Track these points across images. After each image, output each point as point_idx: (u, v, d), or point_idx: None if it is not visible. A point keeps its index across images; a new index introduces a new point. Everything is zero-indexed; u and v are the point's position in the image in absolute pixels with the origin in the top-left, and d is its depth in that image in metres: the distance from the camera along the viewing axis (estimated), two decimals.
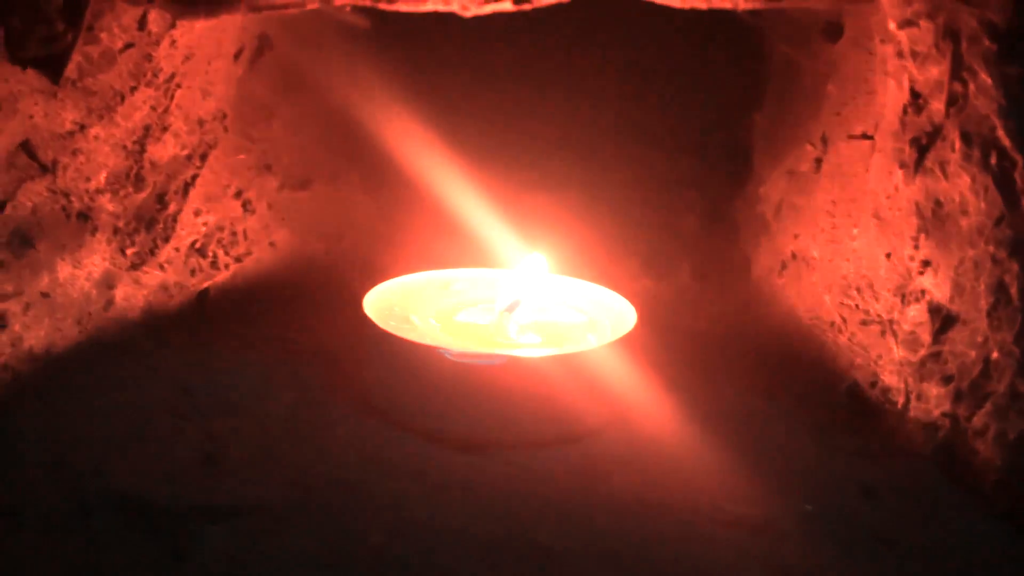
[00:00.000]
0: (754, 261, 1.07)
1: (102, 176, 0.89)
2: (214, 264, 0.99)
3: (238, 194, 1.02)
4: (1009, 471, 0.76)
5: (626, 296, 0.93)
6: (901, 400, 0.84)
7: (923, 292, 0.83)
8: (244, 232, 1.02)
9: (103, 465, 0.76)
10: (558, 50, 1.23)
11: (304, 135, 1.10)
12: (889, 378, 0.86)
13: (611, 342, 0.86)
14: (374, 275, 0.97)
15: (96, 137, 0.87)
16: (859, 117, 0.93)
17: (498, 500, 0.75)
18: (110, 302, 0.91)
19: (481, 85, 1.21)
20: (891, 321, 0.86)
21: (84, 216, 0.88)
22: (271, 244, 1.04)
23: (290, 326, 0.97)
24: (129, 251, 0.92)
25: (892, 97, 0.86)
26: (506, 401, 0.82)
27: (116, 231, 0.91)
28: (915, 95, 0.82)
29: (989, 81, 0.75)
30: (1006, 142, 0.75)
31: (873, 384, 0.87)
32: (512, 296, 0.91)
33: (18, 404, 0.81)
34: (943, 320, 0.81)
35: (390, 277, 0.94)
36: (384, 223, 1.14)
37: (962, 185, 0.79)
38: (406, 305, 0.92)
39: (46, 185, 0.85)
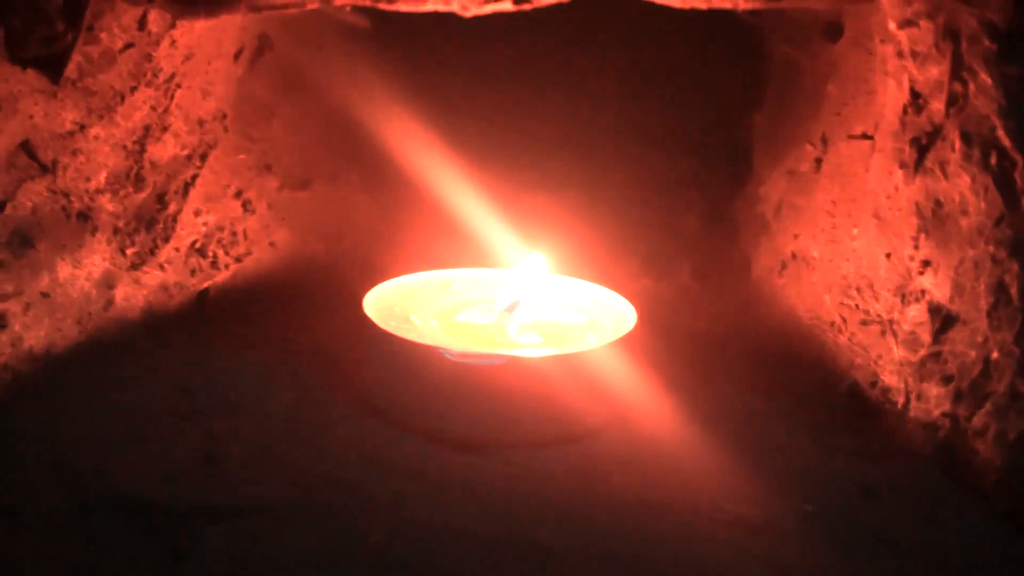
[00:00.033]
0: (754, 261, 1.07)
1: (102, 176, 0.89)
2: (214, 264, 0.99)
3: (238, 194, 1.02)
4: (1009, 471, 0.76)
5: (626, 296, 0.93)
6: (901, 400, 0.84)
7: (923, 292, 0.83)
8: (244, 232, 1.02)
9: (103, 465, 0.76)
10: (558, 50, 1.23)
11: (304, 135, 1.10)
12: (889, 378, 0.86)
13: (611, 342, 0.86)
14: (374, 275, 0.97)
15: (96, 137, 0.87)
16: (859, 117, 0.93)
17: (498, 500, 0.75)
18: (110, 302, 0.91)
19: (481, 85, 1.21)
20: (891, 321, 0.86)
21: (84, 216, 0.88)
22: (271, 244, 1.04)
23: (290, 326, 0.97)
24: (129, 251, 0.92)
25: (892, 97, 0.86)
26: (506, 401, 0.82)
27: (116, 231, 0.91)
28: (915, 95, 0.82)
29: (989, 81, 0.75)
30: (1006, 142, 0.75)
31: (873, 384, 0.87)
32: (512, 296, 0.91)
33: (18, 404, 0.81)
34: (943, 320, 0.81)
35: (390, 277, 0.94)
36: (384, 223, 1.14)
37: (962, 185, 0.79)
38: (406, 305, 0.92)
39: (46, 185, 0.85)
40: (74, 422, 0.81)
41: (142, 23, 0.85)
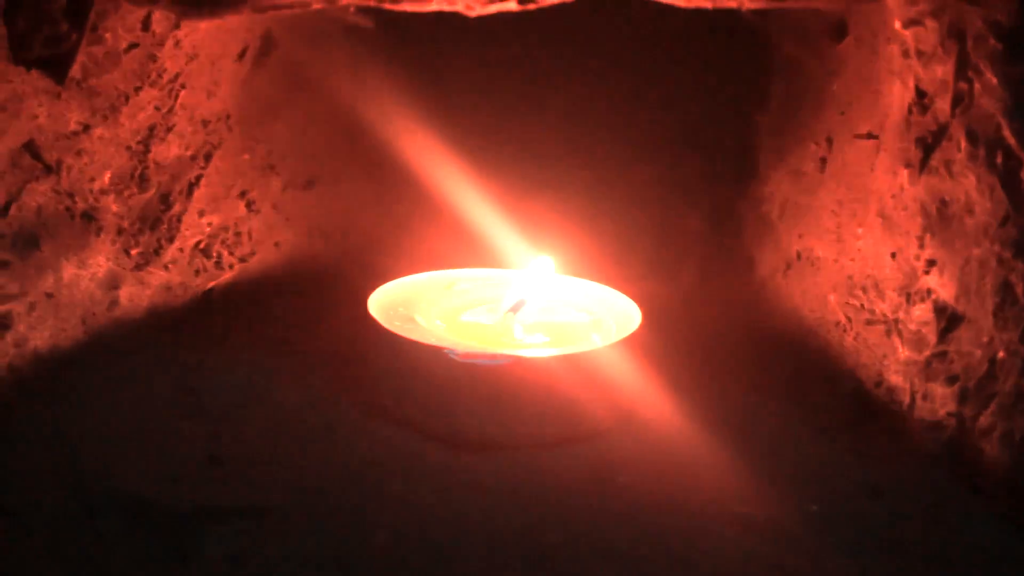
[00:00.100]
0: (759, 261, 1.07)
1: (106, 176, 0.89)
2: (218, 264, 0.99)
3: (242, 194, 1.02)
4: (1015, 471, 0.76)
5: (631, 296, 0.93)
6: (907, 400, 0.84)
7: (929, 292, 0.83)
8: (248, 232, 1.02)
9: (107, 465, 0.76)
10: (562, 50, 1.23)
11: (308, 136, 1.10)
12: (894, 378, 0.85)
13: (616, 342, 0.86)
14: (378, 275, 0.97)
15: (100, 137, 0.87)
16: (864, 116, 0.93)
17: (503, 500, 0.75)
18: (114, 302, 0.91)
19: (485, 85, 1.21)
20: (896, 321, 0.86)
21: (88, 216, 0.88)
22: (275, 244, 1.04)
23: (294, 327, 0.97)
24: (133, 251, 0.92)
25: (897, 96, 0.86)
26: (511, 401, 0.82)
27: (120, 231, 0.91)
28: (920, 94, 0.82)
29: (995, 80, 0.75)
30: (1012, 141, 0.75)
31: (878, 384, 0.87)
32: (517, 296, 0.91)
33: (22, 404, 0.81)
34: (949, 320, 0.81)
35: (395, 277, 0.94)
36: (388, 223, 1.14)
37: (968, 185, 0.78)
38: (411, 305, 0.92)
39: (51, 186, 0.85)
40: (78, 423, 0.81)
41: (146, 24, 0.85)
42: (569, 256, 1.00)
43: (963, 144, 0.78)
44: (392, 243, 1.11)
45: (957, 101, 0.79)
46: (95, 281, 0.89)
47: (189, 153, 0.95)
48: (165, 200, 0.94)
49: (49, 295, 0.86)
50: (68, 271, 0.87)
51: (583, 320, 0.93)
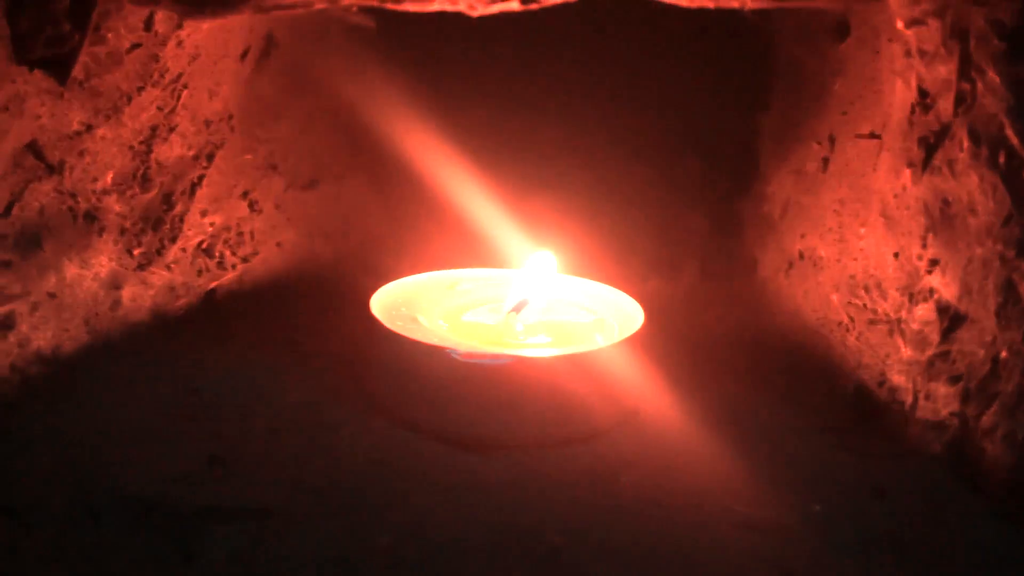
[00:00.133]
0: (761, 261, 1.07)
1: (109, 176, 0.89)
2: (221, 264, 0.99)
3: (245, 194, 1.02)
4: (1018, 471, 0.76)
5: (633, 296, 0.93)
6: (909, 400, 0.84)
7: (931, 291, 0.83)
8: (251, 232, 1.02)
9: (111, 466, 0.76)
10: (564, 50, 1.23)
11: (311, 135, 1.10)
12: (897, 377, 0.85)
13: (618, 342, 0.86)
14: (381, 275, 0.97)
15: (103, 138, 0.87)
16: (866, 116, 0.93)
17: (506, 500, 0.75)
18: (117, 302, 0.91)
19: (487, 85, 1.21)
20: (899, 320, 0.86)
21: (91, 216, 0.88)
22: (278, 244, 1.04)
23: (297, 326, 0.97)
24: (136, 251, 0.92)
25: (900, 96, 0.86)
26: (513, 401, 0.82)
27: (123, 231, 0.91)
28: (923, 94, 0.82)
29: (997, 80, 0.75)
30: (1014, 141, 0.75)
31: (881, 383, 0.87)
32: (519, 296, 0.91)
33: (25, 405, 0.81)
34: (951, 319, 0.81)
35: (397, 277, 0.94)
36: (391, 223, 1.14)
37: (970, 184, 0.78)
38: (413, 305, 0.92)
39: (53, 186, 0.85)
40: (81, 423, 0.81)
41: (148, 24, 0.85)
42: (571, 255, 1.00)
43: (966, 144, 0.78)
44: (394, 243, 1.11)
45: (960, 101, 0.79)
46: (98, 281, 0.89)
47: (191, 153, 0.95)
48: (167, 200, 0.94)
49: (52, 295, 0.86)
50: (71, 271, 0.87)
51: (585, 320, 0.94)
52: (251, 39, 1.00)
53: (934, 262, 0.83)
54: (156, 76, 0.88)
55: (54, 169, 0.85)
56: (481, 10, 0.76)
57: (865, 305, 0.90)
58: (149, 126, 0.90)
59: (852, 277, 0.91)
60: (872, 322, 0.89)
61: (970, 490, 0.78)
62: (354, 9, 0.98)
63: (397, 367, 0.85)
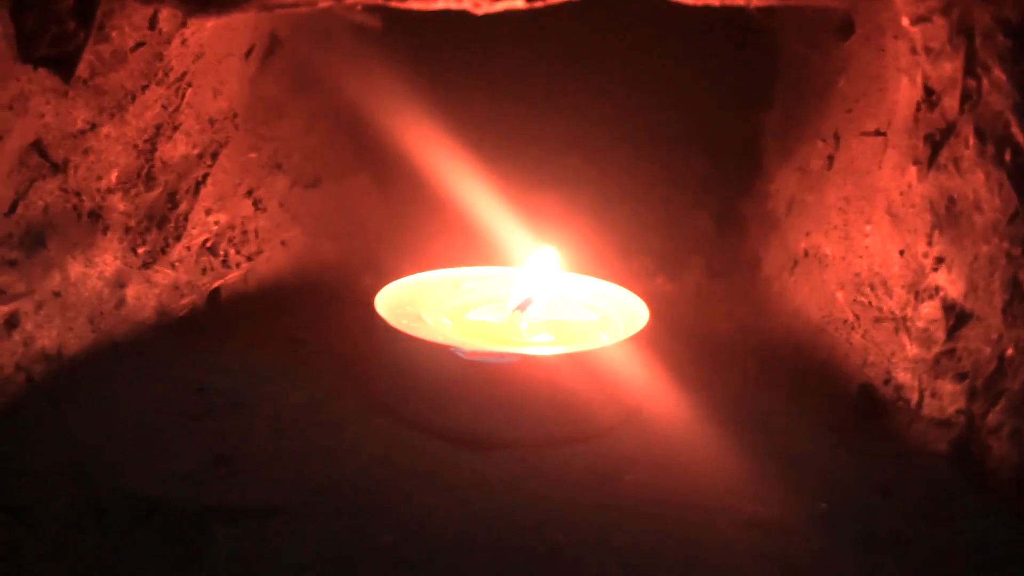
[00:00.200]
0: (766, 259, 1.07)
1: (113, 175, 0.89)
2: (225, 263, 0.99)
3: (249, 193, 1.02)
4: None
5: (638, 294, 0.93)
6: (915, 398, 0.84)
7: (937, 289, 0.83)
8: (255, 231, 1.02)
9: (115, 465, 0.76)
10: (568, 49, 1.23)
11: (315, 134, 1.10)
12: (903, 375, 0.85)
13: (623, 340, 0.86)
14: (385, 273, 0.97)
15: (107, 136, 0.87)
16: (871, 114, 0.93)
17: (510, 499, 0.75)
18: (122, 301, 0.91)
19: (492, 84, 1.21)
20: (905, 318, 0.86)
21: (95, 215, 0.88)
22: (282, 243, 1.04)
23: (301, 325, 0.97)
24: (140, 250, 0.92)
25: (905, 93, 0.85)
26: (518, 400, 0.82)
27: (127, 230, 0.91)
28: (928, 91, 0.82)
29: (1003, 77, 0.75)
30: (1020, 138, 0.75)
31: (887, 381, 0.87)
32: (524, 294, 0.91)
33: (30, 404, 0.81)
34: (957, 317, 0.81)
35: (401, 275, 0.94)
36: (395, 221, 1.14)
37: (976, 182, 0.78)
38: (418, 303, 0.91)
39: (58, 184, 0.85)
40: (86, 422, 0.81)
41: (153, 22, 0.85)
42: (576, 253, 1.00)
43: (971, 141, 0.78)
44: (399, 241, 1.11)
45: (965, 98, 0.79)
46: (102, 280, 0.89)
47: (196, 152, 0.95)
48: (172, 199, 0.94)
49: (56, 294, 0.86)
50: (75, 270, 0.87)
51: (590, 318, 0.93)
52: (255, 38, 1.00)
53: (940, 260, 0.82)
54: (160, 74, 0.89)
55: (58, 168, 0.85)
56: (485, 8, 0.76)
57: (870, 303, 0.90)
58: (153, 124, 0.90)
59: (857, 275, 0.91)
60: (878, 320, 0.89)
61: (976, 488, 0.78)
62: (358, 7, 0.98)
63: (401, 366, 0.85)
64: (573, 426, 0.83)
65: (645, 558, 0.70)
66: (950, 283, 0.81)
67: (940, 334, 0.82)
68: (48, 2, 0.77)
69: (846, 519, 0.75)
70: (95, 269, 0.89)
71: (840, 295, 0.93)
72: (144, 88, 0.88)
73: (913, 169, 0.84)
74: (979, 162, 0.78)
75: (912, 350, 0.84)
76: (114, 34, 0.83)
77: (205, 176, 0.96)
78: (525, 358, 0.83)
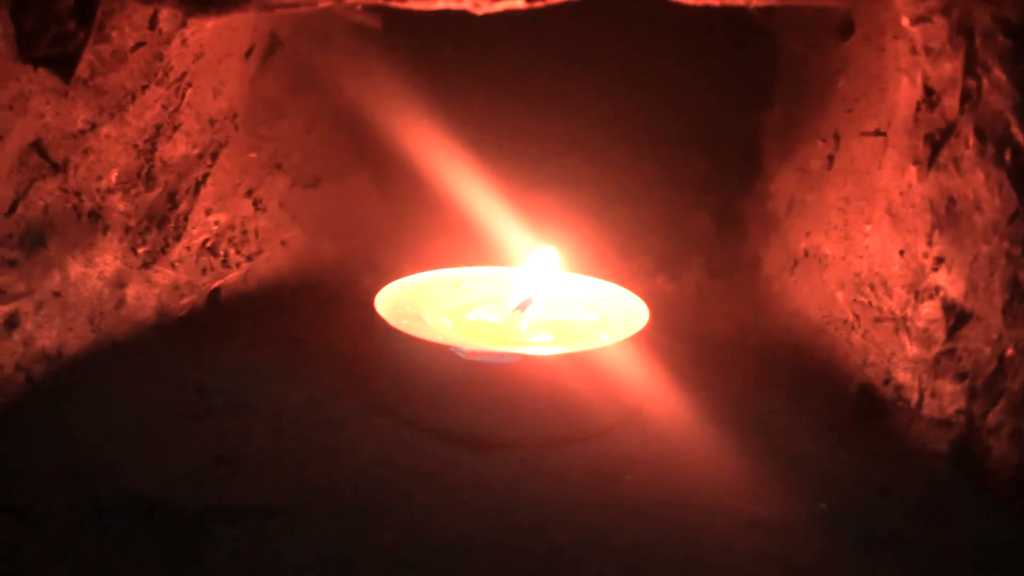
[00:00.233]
0: (765, 259, 1.07)
1: (113, 175, 0.89)
2: (225, 263, 0.99)
3: (249, 193, 1.02)
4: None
5: (638, 294, 0.93)
6: (915, 398, 0.84)
7: (937, 289, 0.83)
8: (255, 231, 1.02)
9: (115, 465, 0.76)
10: (568, 49, 1.23)
11: (315, 134, 1.10)
12: (903, 375, 0.85)
13: (623, 340, 0.86)
14: (385, 273, 0.97)
15: (107, 136, 0.87)
16: (871, 114, 0.93)
17: (510, 499, 0.75)
18: (122, 301, 0.91)
19: (492, 84, 1.21)
20: (905, 318, 0.86)
21: (95, 215, 0.88)
22: (282, 243, 1.04)
23: (301, 325, 0.97)
24: (140, 250, 0.92)
25: (905, 93, 0.85)
26: (517, 400, 0.82)
27: (127, 230, 0.91)
28: (928, 91, 0.82)
29: (1004, 77, 0.75)
30: (1020, 138, 0.75)
31: (887, 381, 0.87)
32: (524, 294, 0.91)
33: (30, 403, 0.81)
34: (957, 317, 0.81)
35: (401, 275, 0.94)
36: (395, 221, 1.14)
37: (976, 182, 0.78)
38: (417, 303, 0.91)
39: (58, 184, 0.85)
40: (86, 422, 0.81)
41: (153, 22, 0.85)
42: (576, 253, 1.00)
43: (971, 141, 0.78)
44: (399, 241, 1.11)
45: (965, 98, 0.79)
46: (102, 280, 0.89)
47: (196, 151, 0.95)
48: (172, 199, 0.94)
49: (56, 294, 0.86)
50: (75, 270, 0.87)
51: (590, 318, 0.93)
52: (255, 38, 1.00)
53: (940, 260, 0.82)
54: (160, 74, 0.89)
55: (58, 168, 0.85)
56: (485, 8, 0.76)
57: (871, 303, 0.90)
58: (153, 124, 0.90)
59: (857, 275, 0.91)
60: (878, 320, 0.89)
61: (976, 488, 0.78)
62: (358, 7, 0.98)
63: (401, 366, 0.85)
64: (573, 426, 0.83)
65: (645, 558, 0.70)
66: (950, 283, 0.81)
67: (940, 334, 0.82)
68: (48, 2, 0.77)
69: (846, 519, 0.75)
70: (95, 269, 0.89)
71: (840, 295, 0.93)
72: (144, 88, 0.88)
73: (913, 169, 0.84)
74: (979, 162, 0.78)
75: (912, 350, 0.84)
76: (114, 34, 0.83)
77: (205, 176, 0.96)
78: (525, 358, 0.83)
